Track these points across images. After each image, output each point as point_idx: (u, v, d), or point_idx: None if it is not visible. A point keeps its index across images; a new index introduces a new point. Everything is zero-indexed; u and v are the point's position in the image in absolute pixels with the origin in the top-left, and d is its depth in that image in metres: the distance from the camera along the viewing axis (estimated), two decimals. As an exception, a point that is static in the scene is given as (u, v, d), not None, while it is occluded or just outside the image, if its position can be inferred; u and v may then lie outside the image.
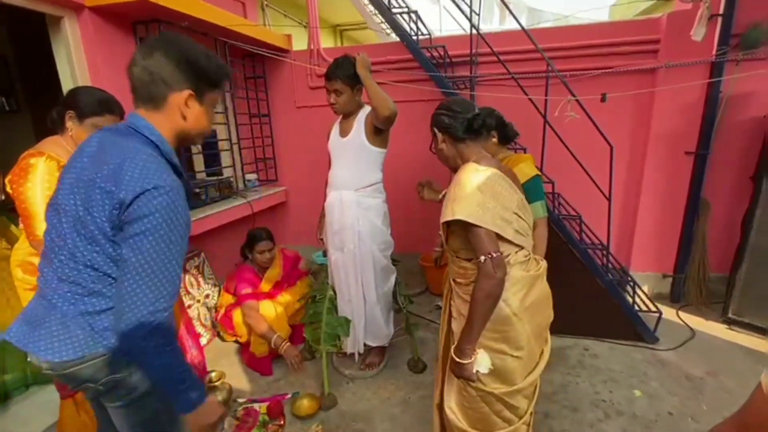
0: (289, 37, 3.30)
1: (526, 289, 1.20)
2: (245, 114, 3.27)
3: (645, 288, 2.86)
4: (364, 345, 2.24)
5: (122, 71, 2.45)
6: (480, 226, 1.10)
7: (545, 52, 2.30)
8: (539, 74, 2.56)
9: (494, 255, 1.10)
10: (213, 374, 2.01)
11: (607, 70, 2.67)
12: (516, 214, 1.19)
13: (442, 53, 2.79)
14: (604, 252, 2.51)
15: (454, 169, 1.32)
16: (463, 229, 1.16)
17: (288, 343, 2.18)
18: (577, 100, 2.23)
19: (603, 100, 2.22)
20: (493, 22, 5.09)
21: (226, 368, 2.32)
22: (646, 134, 2.75)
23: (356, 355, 2.24)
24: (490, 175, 1.17)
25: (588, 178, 2.31)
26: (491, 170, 1.19)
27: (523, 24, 2.74)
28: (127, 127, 0.97)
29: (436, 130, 1.29)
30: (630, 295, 2.55)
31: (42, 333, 0.91)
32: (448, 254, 1.31)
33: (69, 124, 1.55)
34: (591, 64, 2.71)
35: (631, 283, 2.58)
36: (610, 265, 2.54)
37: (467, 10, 2.48)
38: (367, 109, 2.00)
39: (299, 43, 3.46)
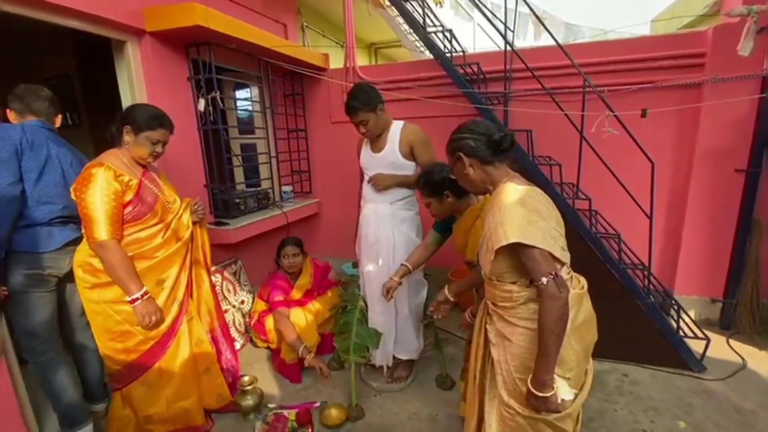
0: (326, 55, 3.45)
1: (576, 308, 1.16)
2: (284, 129, 3.42)
3: (691, 313, 2.69)
4: (393, 358, 2.24)
5: (175, 90, 2.65)
6: (535, 247, 1.06)
7: (582, 68, 2.27)
8: (576, 89, 2.53)
9: (556, 274, 1.06)
10: (245, 378, 2.07)
11: (647, 85, 2.60)
12: (556, 230, 1.17)
13: (475, 70, 2.82)
14: (645, 273, 2.40)
15: (481, 193, 1.31)
16: (510, 252, 1.11)
17: (313, 354, 2.22)
18: (615, 116, 2.18)
19: (643, 115, 2.16)
20: (527, 39, 5.08)
21: (258, 373, 2.39)
22: (691, 151, 2.63)
23: (384, 368, 2.24)
24: (531, 193, 1.16)
25: (627, 195, 2.23)
26: (530, 187, 1.18)
27: (560, 40, 2.73)
28: None
29: (461, 154, 1.24)
30: (674, 320, 2.42)
31: None
32: (487, 279, 1.27)
33: (126, 138, 1.70)
34: (630, 79, 2.64)
35: (675, 307, 2.44)
36: (651, 287, 2.42)
37: (501, 27, 2.50)
38: (398, 124, 2.05)
39: (336, 62, 3.60)
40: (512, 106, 2.82)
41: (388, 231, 2.00)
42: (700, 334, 2.36)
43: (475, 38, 4.48)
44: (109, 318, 1.71)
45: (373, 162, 2.10)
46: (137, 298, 1.64)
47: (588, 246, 2.25)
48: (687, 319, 2.47)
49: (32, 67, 3.59)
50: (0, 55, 3.45)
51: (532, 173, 2.42)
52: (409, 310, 2.11)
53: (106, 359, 1.77)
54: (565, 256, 1.17)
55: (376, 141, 2.09)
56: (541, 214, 1.13)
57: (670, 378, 2.25)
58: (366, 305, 2.22)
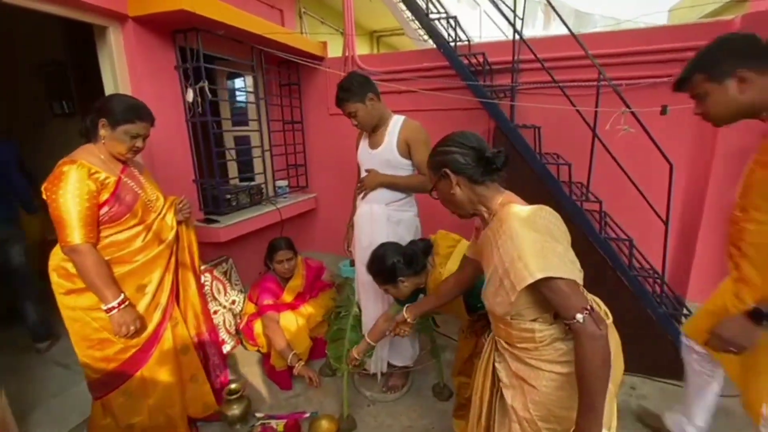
0: (324, 44, 3.28)
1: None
2: (279, 121, 3.27)
3: (703, 321, 2.56)
4: (388, 364, 2.14)
5: (161, 79, 2.50)
6: (561, 278, 0.90)
7: (596, 59, 2.11)
8: (589, 83, 2.36)
9: (591, 308, 0.90)
10: (232, 387, 1.98)
11: (665, 79, 2.42)
12: (571, 251, 1.00)
13: (481, 60, 2.65)
14: (658, 280, 2.26)
15: (468, 216, 1.13)
16: (531, 288, 0.94)
17: (302, 363, 2.12)
18: (632, 113, 2.02)
19: (663, 112, 2.00)
20: (536, 27, 4.87)
21: (248, 377, 2.31)
22: (711, 151, 2.46)
23: (378, 375, 2.14)
24: (539, 212, 0.98)
25: (640, 198, 2.09)
26: (536, 206, 1.00)
27: (572, 27, 2.54)
28: None
29: (447, 171, 1.06)
30: (686, 329, 2.29)
31: None
32: (495, 322, 1.10)
33: (102, 132, 1.57)
34: (648, 72, 2.46)
35: (686, 315, 2.31)
36: (664, 295, 2.29)
37: (509, 14, 2.33)
38: (398, 119, 1.92)
39: (335, 50, 3.43)
40: (519, 100, 2.65)
41: (383, 234, 1.87)
42: (713, 346, 2.23)
43: (481, 27, 4.28)
44: (86, 325, 1.61)
45: (369, 158, 1.97)
46: (113, 307, 1.53)
47: (597, 251, 2.12)
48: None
49: (27, 53, 3.47)
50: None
51: (539, 173, 2.28)
52: (405, 317, 2.00)
53: (84, 367, 1.67)
54: (581, 278, 1.00)
55: (374, 136, 1.95)
56: (555, 237, 0.96)
57: (679, 392, 2.12)
58: (360, 311, 2.11)
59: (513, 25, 2.29)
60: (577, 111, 2.18)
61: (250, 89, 2.99)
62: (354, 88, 1.82)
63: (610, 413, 1.07)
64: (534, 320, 1.00)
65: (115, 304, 1.53)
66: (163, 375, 1.78)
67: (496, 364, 1.12)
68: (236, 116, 3.11)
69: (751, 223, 1.21)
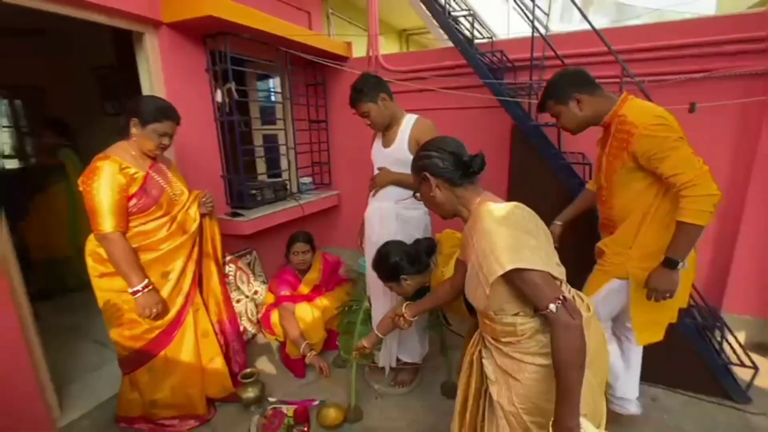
0: (349, 44, 3.35)
1: (587, 334, 1.00)
2: (304, 120, 3.38)
3: (741, 335, 2.38)
4: (398, 360, 2.17)
5: (193, 81, 2.66)
6: (533, 269, 0.93)
7: (621, 54, 2.02)
8: (611, 80, 2.25)
9: (564, 298, 0.93)
10: (248, 371, 2.09)
11: (697, 75, 2.27)
12: (547, 245, 1.03)
13: (500, 58, 2.60)
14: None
15: (450, 216, 1.18)
16: (506, 280, 0.97)
17: (314, 352, 2.20)
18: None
19: (691, 110, 1.88)
20: (573, 22, 4.68)
21: (265, 364, 2.42)
22: (752, 151, 2.28)
23: (387, 370, 2.18)
24: (513, 210, 1.02)
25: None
26: (510, 203, 1.04)
27: (610, 21, 2.44)
28: None
29: (427, 174, 1.13)
30: (717, 341, 2.14)
31: None
32: (481, 314, 1.12)
33: (133, 130, 1.72)
34: (681, 67, 2.32)
35: (719, 327, 2.16)
36: (693, 303, 2.15)
37: (528, 10, 2.27)
38: (411, 118, 1.94)
39: (361, 50, 3.49)
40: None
41: (392, 231, 1.91)
42: (747, 361, 2.08)
43: (509, 22, 4.18)
44: (116, 306, 1.77)
45: (381, 157, 2.01)
46: (138, 290, 1.68)
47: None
48: (733, 342, 2.18)
49: (83, 57, 3.82)
50: (56, 46, 3.69)
51: (560, 173, 2.22)
52: (413, 314, 2.02)
53: (115, 345, 1.84)
54: (561, 272, 1.03)
55: (387, 134, 1.99)
56: (530, 231, 0.99)
57: (706, 408, 2.00)
58: (371, 305, 2.15)
59: (531, 20, 2.23)
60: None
61: (278, 89, 3.11)
62: (366, 88, 1.87)
63: (597, 411, 1.06)
64: (516, 314, 1.02)
65: (139, 287, 1.67)
66: (185, 356, 1.91)
67: (484, 360, 1.14)
68: (265, 115, 3.26)
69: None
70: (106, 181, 1.61)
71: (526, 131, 2.28)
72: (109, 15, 2.02)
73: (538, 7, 2.37)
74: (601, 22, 2.24)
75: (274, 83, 3.20)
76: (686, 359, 2.04)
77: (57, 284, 3.27)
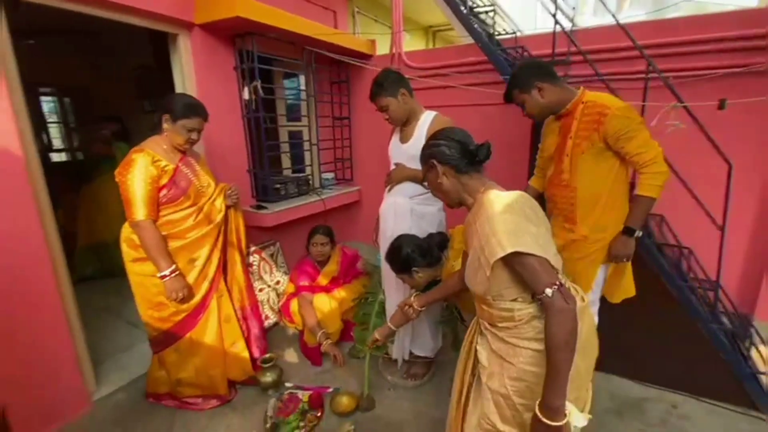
0: (372, 42, 3.39)
1: (579, 322, 1.03)
2: (328, 117, 3.46)
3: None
4: (411, 354, 2.21)
5: (222, 79, 2.77)
6: (532, 255, 0.97)
7: (647, 49, 1.95)
8: (635, 76, 2.18)
9: (560, 284, 0.97)
10: (267, 356, 2.19)
11: (727, 71, 2.15)
12: (547, 235, 1.07)
13: (522, 54, 2.57)
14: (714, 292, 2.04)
15: (456, 204, 1.21)
16: (506, 265, 1.02)
17: (330, 341, 2.27)
18: (684, 107, 1.85)
19: (721, 107, 1.80)
20: (606, 15, 4.52)
21: (284, 351, 2.52)
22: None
23: (399, 362, 2.22)
24: (517, 198, 1.05)
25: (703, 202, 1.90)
26: (514, 192, 1.07)
27: (647, 12, 2.38)
28: None
29: (434, 162, 1.17)
30: (745, 348, 2.05)
31: None
32: (479, 299, 1.16)
33: (165, 125, 1.84)
34: (711, 62, 2.21)
35: (749, 335, 2.06)
36: (722, 308, 2.06)
37: (550, 6, 2.23)
38: (429, 115, 1.97)
39: (386, 47, 3.52)
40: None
41: (405, 226, 1.94)
42: (777, 371, 1.98)
43: (536, 17, 4.09)
44: (147, 289, 1.90)
45: (398, 152, 2.04)
46: (166, 275, 1.80)
47: (641, 257, 1.97)
48: (763, 350, 2.07)
49: (125, 58, 4.06)
50: (101, 47, 3.94)
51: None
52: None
53: (146, 326, 1.98)
54: (558, 262, 1.06)
55: (405, 130, 2.02)
56: (531, 220, 1.02)
57: (730, 417, 1.92)
58: (386, 298, 2.20)
59: (554, 17, 2.19)
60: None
61: (303, 87, 3.20)
62: (387, 83, 1.91)
63: (582, 396, 1.09)
64: (514, 300, 1.07)
65: (167, 272, 1.80)
66: (208, 339, 2.03)
67: (477, 347, 1.17)
68: (291, 112, 3.36)
69: None
70: (139, 172, 1.73)
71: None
72: (146, 18, 2.16)
73: (564, 1, 2.33)
74: (636, 15, 2.16)
75: (299, 81, 3.30)
76: (711, 366, 1.96)
77: (100, 269, 3.51)
